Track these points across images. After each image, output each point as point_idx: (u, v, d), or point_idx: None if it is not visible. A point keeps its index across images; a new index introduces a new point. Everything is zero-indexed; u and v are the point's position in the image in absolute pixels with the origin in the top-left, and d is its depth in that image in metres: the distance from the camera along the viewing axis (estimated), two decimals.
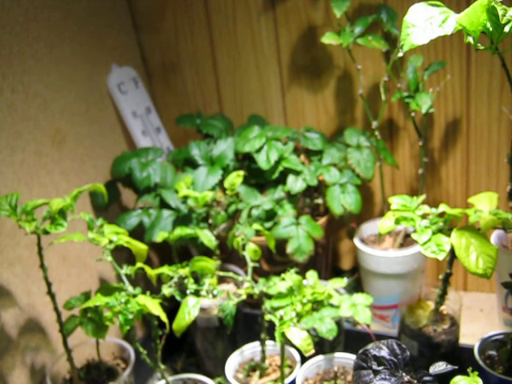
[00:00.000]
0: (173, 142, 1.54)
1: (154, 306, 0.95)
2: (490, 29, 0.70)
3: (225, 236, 1.25)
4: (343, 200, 1.26)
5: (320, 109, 1.45)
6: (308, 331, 0.95)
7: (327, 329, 1.07)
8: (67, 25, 1.24)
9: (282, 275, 1.12)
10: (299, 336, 0.93)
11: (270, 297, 1.09)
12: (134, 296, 0.98)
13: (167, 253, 1.30)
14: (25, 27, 1.12)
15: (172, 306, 1.14)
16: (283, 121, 1.50)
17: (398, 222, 0.96)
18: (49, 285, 1.02)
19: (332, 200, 1.25)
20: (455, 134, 1.33)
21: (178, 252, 1.23)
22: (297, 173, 1.27)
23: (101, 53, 1.36)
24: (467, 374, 0.75)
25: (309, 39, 1.38)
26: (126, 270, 1.03)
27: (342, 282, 1.16)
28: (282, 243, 1.21)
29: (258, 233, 1.21)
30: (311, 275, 1.17)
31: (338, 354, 1.12)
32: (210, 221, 1.25)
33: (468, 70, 1.26)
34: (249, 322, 1.28)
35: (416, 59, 1.22)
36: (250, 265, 1.10)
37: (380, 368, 0.70)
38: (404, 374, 0.70)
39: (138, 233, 1.25)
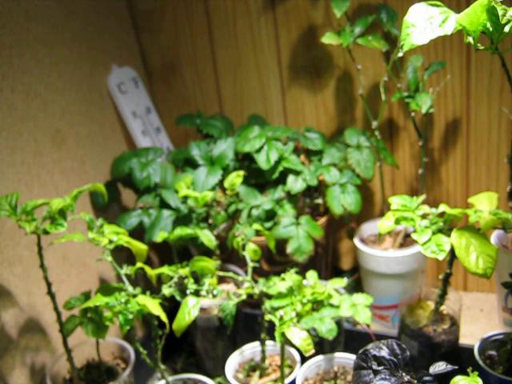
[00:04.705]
0: (173, 142, 1.54)
1: (154, 306, 0.95)
2: (490, 29, 0.70)
3: (225, 236, 1.25)
4: (343, 200, 1.26)
5: (320, 109, 1.45)
6: (308, 331, 0.95)
7: (327, 329, 1.07)
8: (67, 25, 1.25)
9: (282, 275, 1.12)
10: (299, 336, 0.93)
11: (270, 297, 1.09)
12: (134, 296, 0.98)
13: (167, 253, 1.30)
14: (25, 27, 1.13)
15: (172, 306, 1.14)
16: (283, 121, 1.50)
17: (398, 221, 0.96)
18: (49, 285, 1.02)
19: (332, 200, 1.25)
20: (455, 134, 1.33)
21: (178, 252, 1.23)
22: (297, 173, 1.27)
23: (101, 53, 1.36)
24: (467, 374, 0.75)
25: (309, 39, 1.38)
26: (125, 270, 1.03)
27: (342, 282, 1.16)
28: (282, 243, 1.21)
29: (258, 233, 1.21)
30: (311, 275, 1.17)
31: (337, 354, 1.12)
32: (210, 221, 1.25)
33: (468, 70, 1.26)
34: (249, 322, 1.28)
35: (416, 59, 1.22)
36: (250, 265, 1.10)
37: (380, 368, 0.70)
38: (404, 374, 0.70)
39: (138, 233, 1.25)
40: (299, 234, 1.21)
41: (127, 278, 1.03)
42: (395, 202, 1.00)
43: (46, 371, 1.12)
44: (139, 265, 1.04)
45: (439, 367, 0.73)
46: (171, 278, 1.06)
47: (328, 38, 1.23)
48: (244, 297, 1.07)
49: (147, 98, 1.48)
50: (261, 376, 1.13)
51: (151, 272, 1.05)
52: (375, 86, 1.35)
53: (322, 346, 1.14)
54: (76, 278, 1.23)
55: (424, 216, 0.98)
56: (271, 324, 1.02)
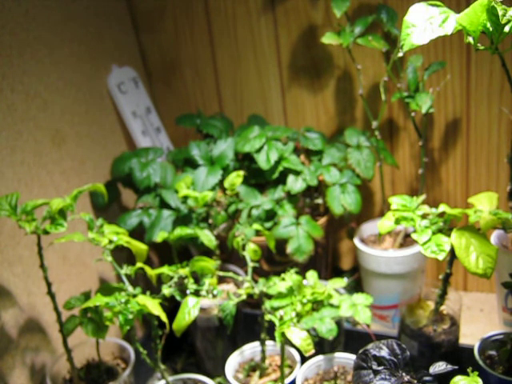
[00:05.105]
0: (173, 142, 1.54)
1: (154, 306, 0.95)
2: (490, 29, 0.70)
3: (225, 236, 1.25)
4: (343, 200, 1.26)
5: (320, 109, 1.45)
6: (308, 331, 0.95)
7: (327, 329, 1.07)
8: (67, 25, 1.25)
9: (282, 275, 1.12)
10: (299, 336, 0.93)
11: (270, 297, 1.09)
12: (134, 296, 0.98)
13: (167, 253, 1.30)
14: (25, 27, 1.13)
15: (172, 306, 1.14)
16: (283, 121, 1.50)
17: (398, 222, 0.96)
18: (49, 285, 1.02)
19: (332, 200, 1.25)
20: (455, 133, 1.33)
21: (178, 252, 1.23)
22: (297, 173, 1.27)
23: (101, 53, 1.36)
24: (467, 374, 0.75)
25: (309, 39, 1.38)
26: (125, 270, 1.03)
27: (341, 282, 1.16)
28: (282, 243, 1.21)
29: (258, 233, 1.21)
30: (311, 275, 1.17)
31: (338, 354, 1.12)
32: (210, 221, 1.25)
33: (468, 70, 1.26)
34: (249, 322, 1.28)
35: (416, 59, 1.22)
36: (250, 265, 1.10)
37: (380, 368, 0.70)
38: (404, 374, 0.70)
39: (138, 233, 1.25)
40: (299, 234, 1.21)
41: (127, 277, 1.03)
42: (395, 202, 1.00)
43: (46, 371, 1.12)
44: (139, 265, 1.03)
45: (439, 367, 0.73)
46: (171, 278, 1.06)
47: (328, 38, 1.23)
48: (244, 297, 1.07)
49: (147, 98, 1.48)
50: (261, 376, 1.13)
51: (151, 272, 1.05)
52: (375, 86, 1.35)
53: (322, 346, 1.14)
54: (76, 278, 1.23)
55: (424, 216, 0.98)
56: (271, 324, 1.02)
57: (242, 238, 1.12)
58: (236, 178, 1.21)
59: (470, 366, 0.77)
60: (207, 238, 1.19)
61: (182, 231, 1.17)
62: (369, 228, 1.41)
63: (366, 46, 1.22)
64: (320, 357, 1.10)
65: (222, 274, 1.14)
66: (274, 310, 1.05)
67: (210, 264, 1.11)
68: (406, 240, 1.35)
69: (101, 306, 0.96)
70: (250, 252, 1.12)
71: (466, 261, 0.87)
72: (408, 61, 1.23)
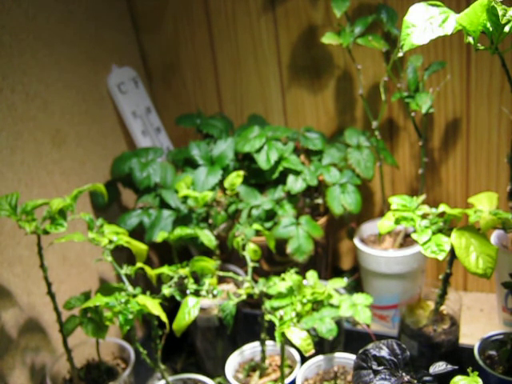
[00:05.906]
0: (173, 142, 1.54)
1: (154, 306, 0.95)
2: (490, 29, 0.70)
3: (225, 236, 1.25)
4: (343, 200, 1.26)
5: (320, 109, 1.45)
6: (308, 331, 0.95)
7: (327, 329, 1.07)
8: (67, 25, 1.25)
9: (282, 275, 1.12)
10: (299, 336, 0.93)
11: (270, 297, 1.09)
12: (134, 296, 0.98)
13: (167, 253, 1.30)
14: (25, 27, 1.13)
15: (172, 306, 1.14)
16: (283, 121, 1.50)
17: (398, 222, 0.96)
18: (49, 285, 1.02)
19: (332, 200, 1.25)
20: (455, 134, 1.33)
21: (178, 252, 1.23)
22: (297, 173, 1.27)
23: (101, 53, 1.36)
24: (467, 374, 0.75)
25: (309, 39, 1.38)
26: (125, 270, 1.03)
27: (341, 282, 1.16)
28: (282, 243, 1.21)
29: (258, 233, 1.21)
30: (311, 275, 1.17)
31: (338, 354, 1.12)
32: (210, 221, 1.25)
33: (468, 70, 1.26)
34: (249, 322, 1.28)
35: (416, 59, 1.22)
36: (250, 265, 1.10)
37: (380, 368, 0.70)
38: (404, 374, 0.70)
39: (138, 233, 1.25)
40: (299, 234, 1.21)
41: (127, 277, 1.03)
42: (395, 202, 1.00)
43: (46, 371, 1.12)
44: (139, 265, 1.04)
45: (439, 367, 0.73)
46: (171, 278, 1.06)
47: (328, 38, 1.23)
48: (244, 297, 1.07)
49: (147, 98, 1.48)
50: (261, 376, 1.13)
51: (151, 272, 1.05)
52: (375, 86, 1.35)
53: (322, 345, 1.14)
54: (76, 278, 1.23)
55: (424, 216, 0.98)
56: (271, 324, 1.02)
57: (242, 238, 1.12)
58: (236, 178, 1.21)
59: (470, 366, 0.77)
60: (207, 237, 1.19)
61: (181, 231, 1.17)
62: (369, 228, 1.41)
63: (366, 45, 1.22)
64: (320, 357, 1.10)
65: (222, 274, 1.14)
66: (274, 310, 1.05)
67: (210, 264, 1.11)
68: (406, 240, 1.35)
69: (101, 306, 0.96)
70: (250, 252, 1.12)
71: (466, 261, 0.87)
72: (408, 61, 1.23)
